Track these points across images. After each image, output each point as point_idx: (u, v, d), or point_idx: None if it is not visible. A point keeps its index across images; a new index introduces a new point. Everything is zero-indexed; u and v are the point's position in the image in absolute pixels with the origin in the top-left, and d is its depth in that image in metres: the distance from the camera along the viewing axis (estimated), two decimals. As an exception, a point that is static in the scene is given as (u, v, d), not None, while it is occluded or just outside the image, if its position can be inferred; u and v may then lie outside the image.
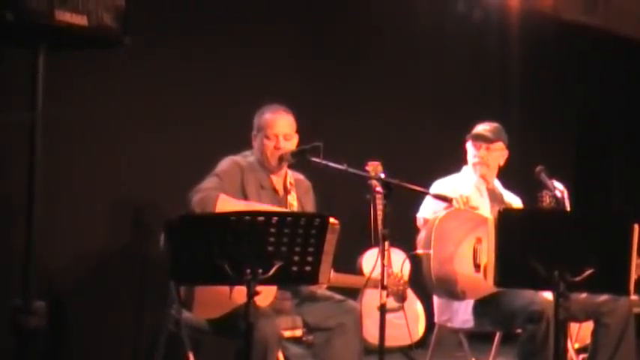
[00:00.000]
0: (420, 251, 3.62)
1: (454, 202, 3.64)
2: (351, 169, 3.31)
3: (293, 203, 3.54)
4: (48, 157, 2.61)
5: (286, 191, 3.56)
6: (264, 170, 3.51)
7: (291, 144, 3.48)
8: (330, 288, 3.47)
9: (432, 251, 3.55)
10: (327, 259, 2.98)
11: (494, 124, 4.03)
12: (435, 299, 3.96)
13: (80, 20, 2.42)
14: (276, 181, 3.55)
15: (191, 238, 2.75)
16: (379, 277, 3.13)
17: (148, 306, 4.13)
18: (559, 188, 3.87)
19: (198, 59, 4.43)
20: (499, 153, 4.02)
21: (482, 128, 4.00)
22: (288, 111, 3.53)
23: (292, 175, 3.62)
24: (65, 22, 2.39)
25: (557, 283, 2.91)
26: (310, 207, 3.64)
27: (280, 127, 3.47)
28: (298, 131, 3.54)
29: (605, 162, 6.75)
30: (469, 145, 4.02)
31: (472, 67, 5.81)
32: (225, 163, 3.48)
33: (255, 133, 3.54)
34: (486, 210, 3.88)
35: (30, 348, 2.52)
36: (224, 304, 3.18)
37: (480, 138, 3.98)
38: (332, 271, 3.28)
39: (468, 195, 3.75)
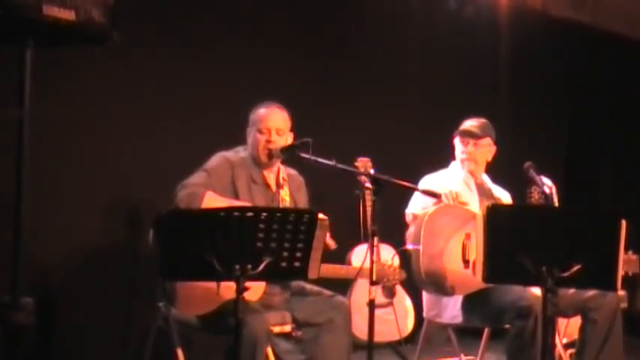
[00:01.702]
0: (409, 247, 3.63)
1: (443, 198, 3.66)
2: (340, 165, 3.31)
3: (285, 198, 3.54)
4: (37, 153, 2.60)
5: (278, 186, 3.56)
6: (256, 165, 3.52)
7: (283, 140, 3.48)
8: (319, 281, 3.47)
9: (421, 247, 3.56)
10: (316, 254, 2.99)
11: (482, 120, 4.04)
12: (424, 294, 3.97)
13: (68, 15, 2.41)
14: (269, 176, 3.56)
15: (180, 234, 2.75)
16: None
17: (137, 302, 4.13)
18: (547, 184, 3.88)
19: (190, 56, 4.42)
20: (487, 149, 4.03)
21: (470, 124, 4.01)
22: (283, 108, 3.55)
23: (285, 171, 3.62)
24: (53, 17, 2.38)
25: (545, 278, 2.93)
26: (303, 202, 3.64)
27: (272, 121, 3.48)
28: (291, 128, 3.55)
29: (593, 158, 6.78)
30: (457, 141, 4.03)
31: (462, 63, 5.82)
32: (215, 160, 3.48)
33: (249, 129, 3.55)
34: (475, 205, 3.90)
35: (18, 344, 2.51)
36: (211, 300, 3.18)
37: (467, 134, 3.99)
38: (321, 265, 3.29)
39: (458, 191, 3.76)
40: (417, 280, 3.65)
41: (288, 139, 3.51)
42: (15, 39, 2.50)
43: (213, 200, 3.24)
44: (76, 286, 4.01)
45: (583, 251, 2.93)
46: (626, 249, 3.45)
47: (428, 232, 3.59)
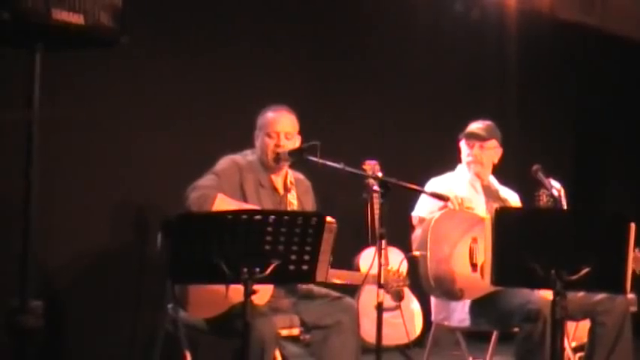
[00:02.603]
0: (416, 253, 3.63)
1: (449, 204, 3.65)
2: (348, 168, 3.31)
3: (293, 202, 3.55)
4: (45, 156, 2.60)
5: (286, 190, 3.56)
6: (264, 169, 3.52)
7: (291, 143, 3.48)
8: (327, 285, 3.47)
9: (428, 253, 3.55)
10: (324, 258, 2.99)
11: (488, 122, 4.04)
12: (433, 298, 3.96)
13: (77, 19, 2.41)
14: (276, 180, 3.56)
15: (188, 237, 2.75)
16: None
17: (145, 305, 4.13)
18: (556, 187, 3.88)
19: (196, 58, 4.43)
20: (493, 151, 4.03)
21: (476, 127, 4.01)
22: (291, 111, 3.55)
23: (292, 175, 3.62)
24: (62, 21, 2.39)
25: (554, 281, 2.92)
26: (310, 206, 3.64)
27: (281, 125, 3.48)
28: (299, 131, 3.55)
29: (601, 160, 6.76)
30: (463, 144, 4.03)
31: (469, 66, 5.82)
32: (224, 162, 3.49)
33: (257, 132, 3.55)
34: (482, 206, 3.89)
35: (28, 347, 2.51)
36: (220, 304, 3.18)
37: (473, 136, 3.99)
38: (329, 270, 3.29)
39: (463, 196, 3.75)
40: (426, 286, 3.65)
41: (296, 142, 3.51)
42: (24, 43, 2.51)
43: (224, 202, 3.24)
44: (84, 289, 4.02)
45: (592, 254, 2.91)
46: (634, 247, 3.43)
47: (434, 238, 3.58)
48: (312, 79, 5.02)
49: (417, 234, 3.76)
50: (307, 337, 3.41)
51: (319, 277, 2.99)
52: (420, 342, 4.61)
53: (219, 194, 3.28)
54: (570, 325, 4.00)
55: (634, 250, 2.97)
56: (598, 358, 3.69)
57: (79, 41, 2.58)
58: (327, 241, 3.01)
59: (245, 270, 2.75)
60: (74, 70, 3.74)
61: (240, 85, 4.56)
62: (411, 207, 3.95)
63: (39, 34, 2.47)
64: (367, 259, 4.44)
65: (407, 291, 4.53)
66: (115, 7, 2.53)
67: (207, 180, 3.38)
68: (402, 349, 4.59)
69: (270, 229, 2.76)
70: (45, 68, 2.53)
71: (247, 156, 3.55)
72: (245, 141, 3.60)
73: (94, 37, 2.53)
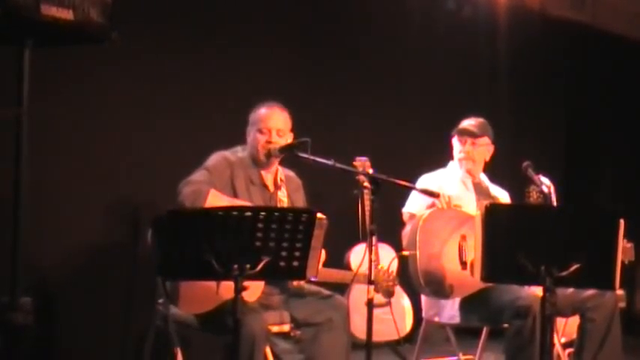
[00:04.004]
0: (406, 252, 3.63)
1: (436, 202, 3.66)
2: (338, 165, 3.31)
3: (283, 199, 3.54)
4: (35, 153, 2.60)
5: (276, 187, 3.56)
6: (254, 166, 3.52)
7: (283, 141, 3.48)
8: (317, 283, 3.47)
9: (417, 252, 3.55)
10: (314, 254, 2.99)
11: (480, 120, 4.05)
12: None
13: (66, 14, 2.40)
14: (267, 177, 3.55)
15: (178, 234, 2.75)
16: (367, 273, 3.13)
17: (136, 302, 4.13)
18: (546, 183, 3.89)
19: (188, 55, 4.42)
20: (485, 148, 4.04)
21: (468, 123, 4.02)
22: (284, 108, 3.54)
23: (283, 172, 3.62)
24: (51, 17, 2.38)
25: (543, 278, 2.93)
26: (301, 204, 3.64)
27: (273, 122, 3.48)
28: (291, 128, 3.54)
29: (592, 157, 6.78)
30: (455, 141, 4.04)
31: (460, 63, 5.83)
32: (215, 158, 3.48)
33: (249, 128, 3.55)
34: (472, 204, 3.90)
35: (17, 345, 2.50)
36: (211, 299, 3.18)
37: (465, 133, 3.99)
38: (320, 267, 3.29)
39: (451, 194, 3.76)
40: (416, 285, 3.65)
41: (288, 140, 3.51)
42: (13, 39, 2.49)
43: (216, 198, 3.24)
44: (74, 286, 4.01)
45: (581, 251, 2.93)
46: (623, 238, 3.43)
47: (423, 237, 3.58)
48: (304, 76, 5.02)
49: (406, 230, 3.76)
50: (297, 333, 3.41)
51: (310, 274, 2.99)
52: (410, 338, 4.62)
53: (211, 190, 3.28)
54: (560, 321, 4.02)
55: (622, 241, 2.98)
56: (587, 354, 3.71)
57: (69, 37, 2.57)
58: (318, 237, 3.01)
59: (235, 266, 2.74)
60: (64, 66, 3.73)
61: (232, 82, 4.55)
62: (402, 203, 3.96)
63: (28, 30, 2.46)
64: (358, 255, 4.44)
65: (397, 287, 4.54)
66: (105, 3, 2.53)
67: (199, 175, 3.38)
68: (392, 345, 4.60)
69: (260, 225, 2.76)
70: (34, 64, 2.52)
71: (238, 152, 3.55)
72: (237, 139, 3.60)
73: (84, 33, 2.52)
